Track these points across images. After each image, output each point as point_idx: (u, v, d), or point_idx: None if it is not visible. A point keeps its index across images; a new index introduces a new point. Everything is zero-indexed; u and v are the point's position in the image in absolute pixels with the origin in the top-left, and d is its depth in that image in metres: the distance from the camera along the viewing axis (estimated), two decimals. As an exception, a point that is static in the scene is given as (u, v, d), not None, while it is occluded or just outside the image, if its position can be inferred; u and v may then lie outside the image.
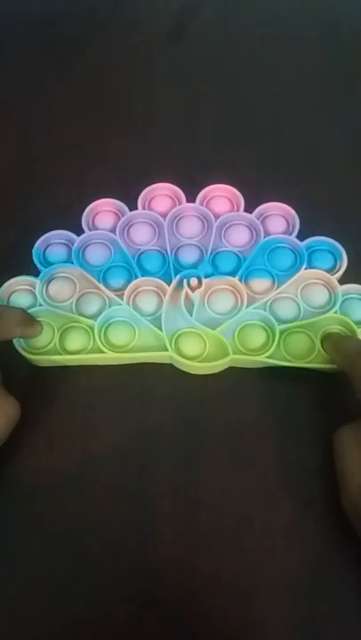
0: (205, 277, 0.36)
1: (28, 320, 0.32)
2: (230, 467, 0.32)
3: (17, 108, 0.44)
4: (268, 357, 0.33)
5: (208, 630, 0.29)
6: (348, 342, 0.32)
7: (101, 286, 0.36)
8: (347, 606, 0.29)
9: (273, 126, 0.43)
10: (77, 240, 0.37)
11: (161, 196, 0.39)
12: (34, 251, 0.37)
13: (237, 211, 0.38)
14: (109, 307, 0.35)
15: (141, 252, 0.37)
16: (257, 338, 0.34)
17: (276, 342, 0.34)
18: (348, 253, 0.36)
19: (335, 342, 0.33)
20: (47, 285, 0.36)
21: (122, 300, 0.35)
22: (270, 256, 0.37)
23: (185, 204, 0.38)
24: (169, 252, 0.37)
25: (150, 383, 0.34)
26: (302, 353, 0.34)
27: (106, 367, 0.34)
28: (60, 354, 0.34)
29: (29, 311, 0.34)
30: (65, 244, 0.37)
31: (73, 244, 0.37)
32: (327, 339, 0.34)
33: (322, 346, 0.34)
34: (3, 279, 0.36)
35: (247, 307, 0.35)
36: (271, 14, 0.48)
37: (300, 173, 0.41)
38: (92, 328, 0.34)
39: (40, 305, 0.35)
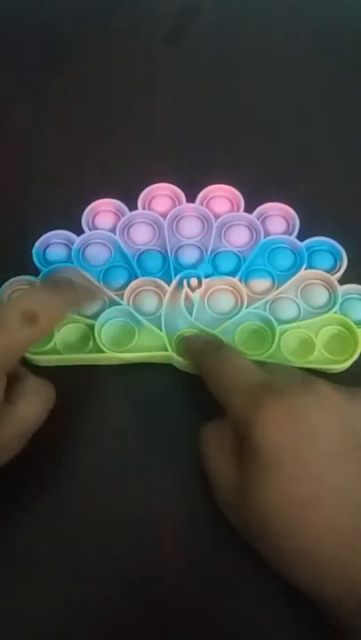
0: (205, 277, 0.36)
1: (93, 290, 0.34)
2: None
3: (17, 107, 0.44)
4: (267, 357, 0.33)
5: (208, 630, 0.29)
6: (190, 341, 0.33)
7: (101, 286, 0.36)
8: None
9: (273, 126, 0.43)
10: (77, 240, 0.37)
11: (161, 196, 0.39)
12: (34, 251, 0.37)
13: (237, 211, 0.38)
14: (109, 307, 0.35)
15: (141, 252, 0.37)
16: (257, 338, 0.34)
17: (275, 343, 0.34)
18: (348, 253, 0.36)
19: (184, 344, 0.33)
20: (47, 285, 0.36)
21: (122, 299, 0.35)
22: (270, 256, 0.37)
23: (185, 205, 0.38)
24: (169, 252, 0.37)
25: (150, 383, 0.34)
26: (302, 353, 0.34)
27: (106, 367, 0.34)
28: (60, 354, 0.34)
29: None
30: (65, 243, 0.37)
31: (73, 244, 0.37)
32: (179, 343, 0.34)
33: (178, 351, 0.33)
34: (3, 279, 0.36)
35: (247, 307, 0.35)
36: (271, 14, 0.48)
37: (300, 173, 0.41)
38: (91, 328, 0.34)
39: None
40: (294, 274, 0.36)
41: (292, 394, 0.26)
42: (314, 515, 0.24)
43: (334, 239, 0.37)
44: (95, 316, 0.34)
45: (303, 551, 0.24)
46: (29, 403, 0.28)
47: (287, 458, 0.24)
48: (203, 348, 0.32)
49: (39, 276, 0.36)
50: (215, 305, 0.35)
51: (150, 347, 0.34)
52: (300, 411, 0.25)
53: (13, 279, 0.36)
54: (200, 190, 0.38)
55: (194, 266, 0.36)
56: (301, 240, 0.37)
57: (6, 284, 0.36)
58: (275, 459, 0.25)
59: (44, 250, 0.37)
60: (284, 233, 0.38)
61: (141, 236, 0.38)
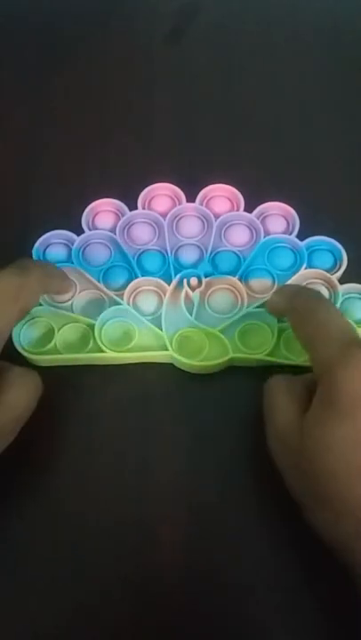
0: (205, 277, 0.36)
1: (60, 274, 0.33)
2: (230, 467, 0.32)
3: (17, 107, 0.44)
4: (267, 356, 0.33)
5: (208, 630, 0.29)
6: (286, 287, 0.34)
7: (101, 286, 0.36)
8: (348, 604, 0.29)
9: (273, 126, 0.43)
10: (77, 240, 0.37)
11: (161, 195, 0.39)
12: (34, 251, 0.37)
13: (237, 210, 0.38)
14: (109, 306, 0.35)
15: (141, 252, 0.37)
16: (257, 337, 0.34)
17: (276, 341, 0.34)
18: (348, 253, 0.36)
19: (278, 290, 0.33)
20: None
21: (122, 299, 0.35)
22: (270, 256, 0.37)
23: (185, 204, 0.38)
24: (169, 251, 0.37)
25: (150, 383, 0.34)
26: (302, 352, 0.34)
27: (106, 367, 0.34)
28: (60, 353, 0.34)
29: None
30: (65, 243, 0.37)
31: (73, 244, 0.37)
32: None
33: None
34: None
35: (247, 306, 0.35)
36: (271, 14, 0.48)
37: (300, 173, 0.41)
38: (92, 328, 0.34)
39: (40, 304, 0.35)
40: (294, 273, 0.36)
41: None
42: None
43: (334, 238, 0.37)
44: (95, 316, 0.34)
45: (357, 503, 0.24)
46: (18, 391, 0.28)
47: None
48: (299, 290, 0.32)
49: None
50: (215, 304, 0.35)
51: (150, 346, 0.34)
52: None
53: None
54: (200, 190, 0.38)
55: (194, 265, 0.36)
56: (301, 239, 0.37)
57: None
58: (353, 405, 0.24)
59: (44, 250, 0.37)
60: (284, 232, 0.38)
61: (141, 235, 0.38)
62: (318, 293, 0.33)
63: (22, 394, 0.29)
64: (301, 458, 0.26)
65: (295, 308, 0.30)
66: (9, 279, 0.29)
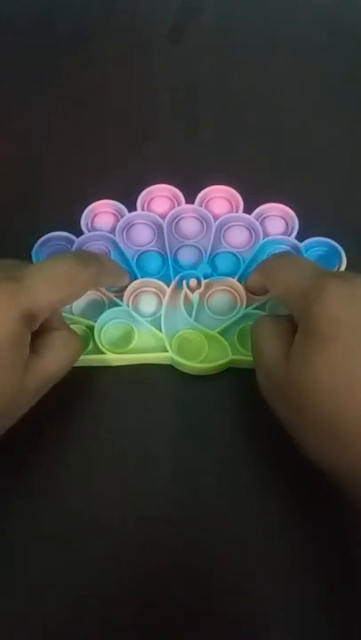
0: (205, 278, 0.36)
1: (115, 272, 0.34)
2: (230, 467, 0.32)
3: (16, 108, 0.44)
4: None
5: (208, 630, 0.29)
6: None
7: (100, 287, 0.36)
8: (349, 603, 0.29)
9: (273, 126, 0.43)
10: (76, 241, 0.37)
11: (160, 197, 0.39)
12: (33, 252, 0.37)
13: (236, 212, 0.38)
14: (109, 308, 0.35)
15: (141, 254, 0.37)
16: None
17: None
18: (347, 253, 0.36)
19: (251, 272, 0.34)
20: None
21: (121, 301, 0.35)
22: (270, 257, 0.37)
23: (184, 206, 0.38)
24: (168, 253, 0.37)
25: (150, 384, 0.34)
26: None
27: (105, 368, 0.35)
28: (60, 355, 0.34)
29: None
30: (64, 245, 0.37)
31: (72, 246, 0.37)
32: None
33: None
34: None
35: (246, 307, 0.35)
36: (271, 14, 0.48)
37: (300, 174, 0.41)
38: (91, 329, 0.35)
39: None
40: (294, 274, 0.36)
41: (354, 279, 0.26)
42: None
43: (333, 239, 0.37)
44: (95, 318, 0.35)
45: (347, 422, 0.24)
46: (56, 356, 0.30)
47: (344, 332, 0.25)
48: (265, 259, 0.33)
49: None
50: (215, 305, 0.36)
51: (150, 348, 0.34)
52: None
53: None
54: (199, 191, 0.38)
55: (193, 267, 0.37)
56: (301, 240, 0.37)
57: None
58: (331, 332, 0.25)
59: (44, 251, 0.37)
60: (283, 233, 0.38)
61: (141, 237, 0.38)
62: (283, 253, 0.35)
63: (59, 361, 0.30)
64: (288, 389, 0.26)
65: (265, 270, 0.32)
66: (71, 265, 0.29)
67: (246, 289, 0.35)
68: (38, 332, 0.29)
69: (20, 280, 0.27)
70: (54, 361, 0.29)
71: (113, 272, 0.34)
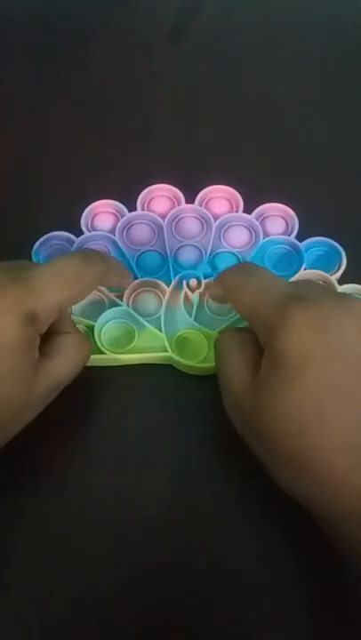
0: (205, 278, 0.36)
1: (120, 273, 0.33)
2: (229, 467, 0.32)
3: (16, 108, 0.45)
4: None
5: (208, 630, 0.29)
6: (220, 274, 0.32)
7: (101, 287, 0.36)
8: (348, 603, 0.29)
9: (273, 126, 0.43)
10: (76, 241, 0.37)
11: (160, 197, 0.39)
12: (33, 252, 0.37)
13: (236, 212, 0.38)
14: (109, 308, 0.35)
15: (141, 253, 0.37)
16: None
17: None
18: (347, 253, 0.36)
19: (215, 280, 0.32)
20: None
21: (121, 300, 0.35)
22: (270, 257, 0.37)
23: (184, 205, 0.38)
24: (168, 252, 0.37)
25: (150, 384, 0.34)
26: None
27: (105, 368, 0.35)
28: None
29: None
30: (64, 245, 0.37)
31: (72, 246, 0.37)
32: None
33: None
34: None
35: (246, 307, 0.35)
36: (271, 14, 0.48)
37: (300, 174, 0.41)
38: (91, 329, 0.35)
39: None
40: (294, 274, 0.36)
41: (322, 303, 0.25)
42: (334, 427, 0.24)
43: (333, 239, 0.37)
44: (95, 318, 0.35)
45: (317, 461, 0.24)
46: (66, 360, 0.29)
47: (313, 366, 0.24)
48: (227, 270, 0.31)
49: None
50: (215, 306, 0.35)
51: (150, 348, 0.34)
52: (331, 320, 0.25)
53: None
54: (199, 191, 0.39)
55: (193, 266, 0.37)
56: (301, 240, 0.37)
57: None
58: (299, 365, 0.24)
59: (44, 251, 0.37)
60: (283, 233, 0.38)
61: (141, 236, 0.38)
62: (245, 266, 0.32)
63: (70, 364, 0.29)
64: (257, 421, 0.26)
65: (227, 286, 0.30)
66: (77, 263, 0.29)
67: (212, 298, 0.34)
68: (48, 334, 0.29)
69: (27, 282, 0.27)
70: (64, 364, 0.29)
71: (118, 272, 0.33)
